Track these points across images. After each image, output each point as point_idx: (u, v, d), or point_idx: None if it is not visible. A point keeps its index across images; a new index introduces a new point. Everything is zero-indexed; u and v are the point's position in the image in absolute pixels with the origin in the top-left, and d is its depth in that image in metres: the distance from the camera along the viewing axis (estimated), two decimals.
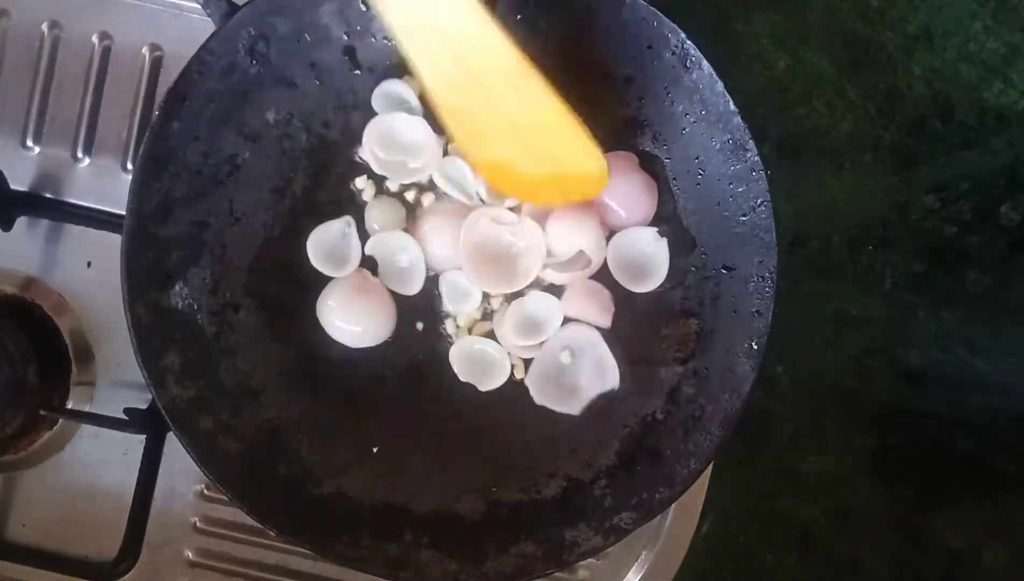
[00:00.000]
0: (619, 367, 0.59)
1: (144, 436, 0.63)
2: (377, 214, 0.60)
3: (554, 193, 0.57)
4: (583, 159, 0.54)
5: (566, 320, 0.59)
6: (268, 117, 0.59)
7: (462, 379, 0.59)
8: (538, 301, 0.59)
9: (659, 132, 0.60)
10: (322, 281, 0.60)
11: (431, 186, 0.60)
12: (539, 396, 0.59)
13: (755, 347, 0.57)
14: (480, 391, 0.60)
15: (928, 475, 0.96)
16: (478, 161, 0.57)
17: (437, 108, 0.54)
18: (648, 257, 0.60)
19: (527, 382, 0.59)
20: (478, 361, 0.60)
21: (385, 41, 0.60)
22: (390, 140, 0.59)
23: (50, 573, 0.63)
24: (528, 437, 0.60)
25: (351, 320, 0.58)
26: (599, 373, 0.59)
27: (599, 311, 0.59)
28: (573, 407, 0.59)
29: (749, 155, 0.57)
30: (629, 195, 0.59)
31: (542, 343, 0.59)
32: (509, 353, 0.60)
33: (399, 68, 0.60)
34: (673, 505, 0.60)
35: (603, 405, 0.59)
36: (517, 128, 0.54)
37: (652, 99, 0.60)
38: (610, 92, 0.60)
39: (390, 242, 0.60)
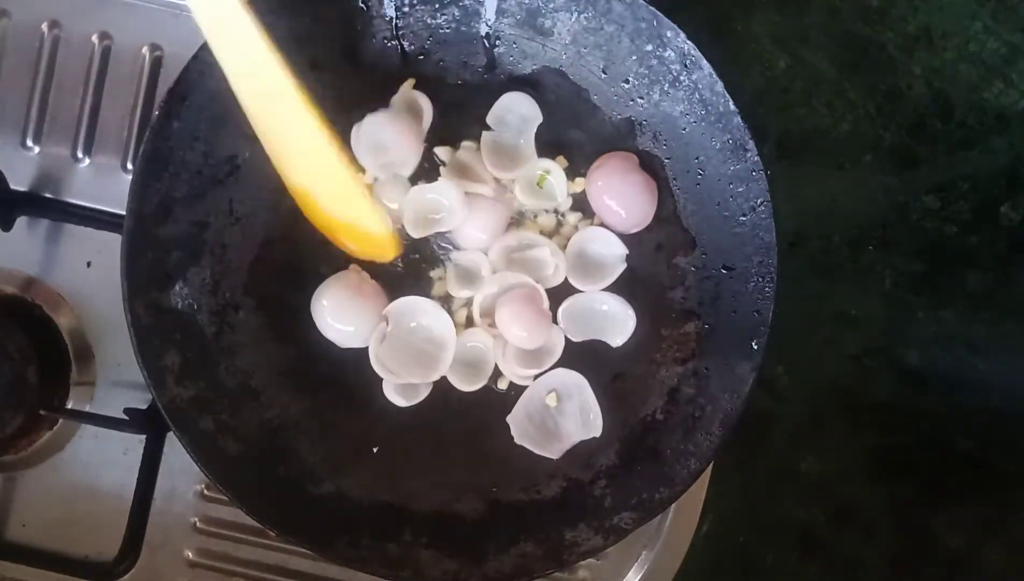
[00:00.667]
0: (618, 368, 0.60)
1: (144, 436, 0.63)
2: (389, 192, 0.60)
3: (349, 241, 0.59)
4: (371, 218, 0.57)
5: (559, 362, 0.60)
6: None
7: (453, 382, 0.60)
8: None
9: (659, 132, 0.60)
10: (321, 280, 0.59)
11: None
12: (520, 436, 0.59)
13: (755, 347, 0.57)
14: (480, 391, 0.60)
15: (928, 475, 0.96)
16: (287, 182, 0.58)
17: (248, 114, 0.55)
18: (604, 264, 0.60)
19: (509, 420, 0.59)
20: (467, 362, 0.60)
21: (385, 41, 0.60)
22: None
23: (50, 573, 0.63)
24: None
25: (343, 320, 0.58)
26: (583, 420, 0.59)
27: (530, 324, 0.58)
28: (553, 452, 0.59)
29: (749, 155, 0.57)
30: (629, 195, 0.59)
31: (537, 376, 0.59)
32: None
33: (399, 69, 0.60)
34: (673, 505, 0.60)
35: (603, 404, 0.59)
36: (315, 168, 0.56)
37: (652, 99, 0.60)
38: (609, 92, 0.60)
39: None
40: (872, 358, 0.94)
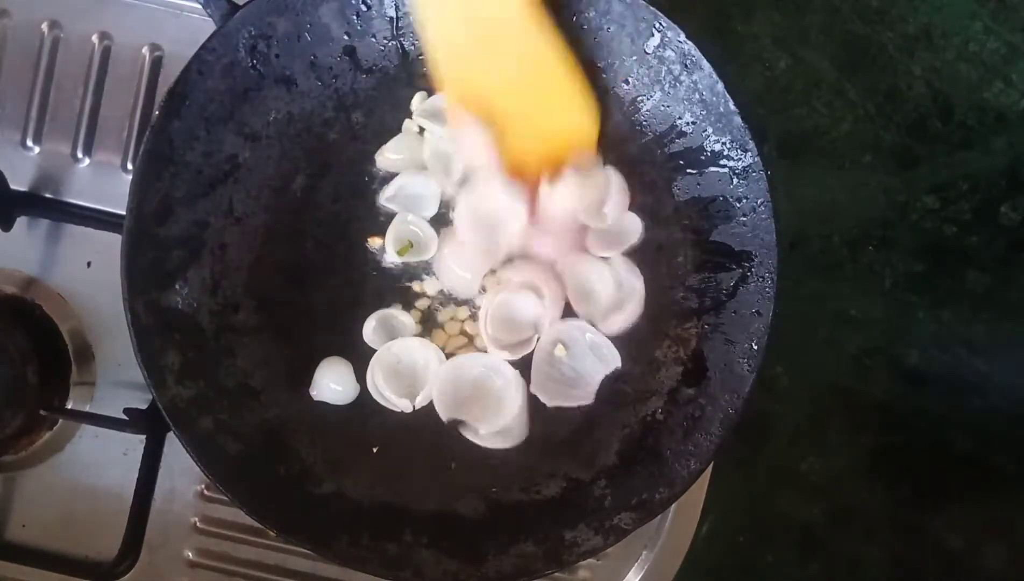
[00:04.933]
0: (620, 366, 0.60)
1: (144, 436, 0.63)
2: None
3: (540, 149, 0.56)
4: (574, 108, 0.54)
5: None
6: (268, 117, 0.59)
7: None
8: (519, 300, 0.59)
9: (659, 132, 0.60)
10: (321, 281, 0.60)
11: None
12: (549, 399, 0.59)
13: (755, 347, 0.57)
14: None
15: (928, 475, 0.96)
16: (462, 103, 0.56)
17: (431, 45, 0.54)
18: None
19: (533, 390, 0.59)
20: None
21: (386, 41, 0.60)
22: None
23: (50, 573, 0.63)
24: (528, 437, 0.59)
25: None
26: (598, 357, 0.59)
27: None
28: (586, 397, 0.59)
29: (749, 155, 0.57)
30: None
31: (531, 339, 0.59)
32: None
33: (399, 70, 0.60)
34: (673, 505, 0.60)
35: (603, 405, 0.59)
36: (512, 73, 0.54)
37: (652, 99, 0.60)
38: (610, 93, 0.60)
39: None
40: (872, 358, 0.94)
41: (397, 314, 0.59)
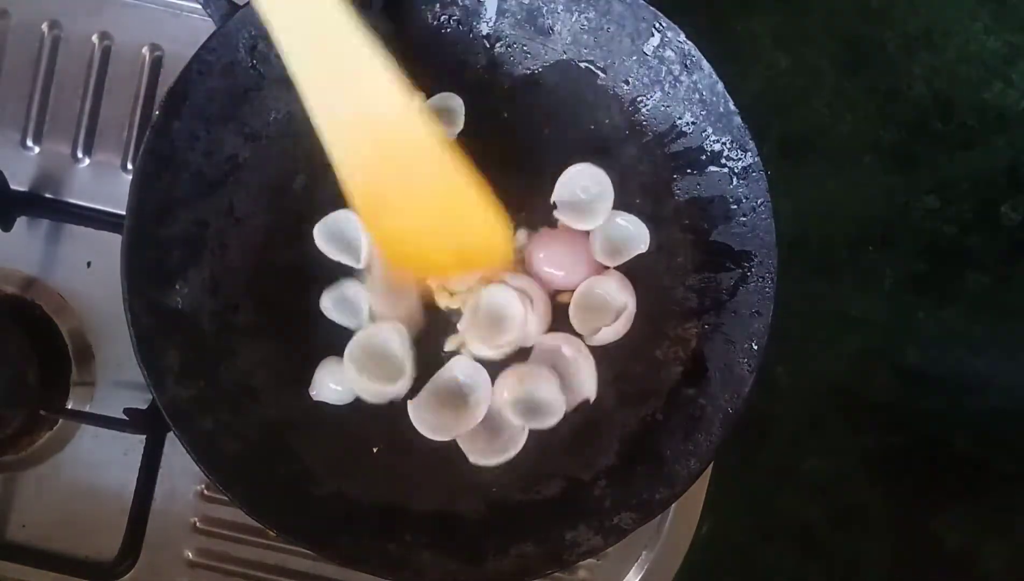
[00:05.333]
0: (618, 368, 0.60)
1: (144, 436, 0.63)
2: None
3: (455, 264, 0.55)
4: (489, 230, 0.53)
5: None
6: (268, 117, 0.59)
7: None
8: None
9: (660, 132, 0.60)
10: (321, 281, 0.59)
11: None
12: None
13: (755, 347, 0.57)
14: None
15: (928, 475, 0.96)
16: (377, 232, 0.54)
17: (339, 172, 0.52)
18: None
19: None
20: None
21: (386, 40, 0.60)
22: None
23: (50, 573, 0.63)
24: (528, 437, 0.59)
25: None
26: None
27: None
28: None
29: (749, 155, 0.57)
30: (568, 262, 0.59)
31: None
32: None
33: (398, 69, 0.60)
34: (673, 505, 0.60)
35: (603, 405, 0.59)
36: (424, 197, 0.52)
37: (652, 99, 0.60)
38: (609, 93, 0.60)
39: None
40: (872, 358, 0.94)
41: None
